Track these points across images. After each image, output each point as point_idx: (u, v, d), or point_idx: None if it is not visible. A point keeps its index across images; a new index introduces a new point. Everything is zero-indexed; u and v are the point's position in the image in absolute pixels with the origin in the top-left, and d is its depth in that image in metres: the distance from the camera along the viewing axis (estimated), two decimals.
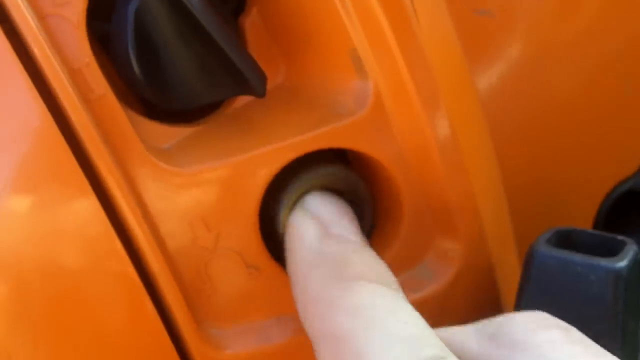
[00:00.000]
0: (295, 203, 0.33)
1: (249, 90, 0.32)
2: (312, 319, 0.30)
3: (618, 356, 0.27)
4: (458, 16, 0.34)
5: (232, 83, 0.32)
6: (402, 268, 0.35)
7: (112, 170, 0.31)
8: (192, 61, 0.31)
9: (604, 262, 0.32)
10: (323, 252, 0.31)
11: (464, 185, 0.34)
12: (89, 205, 0.31)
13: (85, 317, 0.31)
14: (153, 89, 0.31)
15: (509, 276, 0.37)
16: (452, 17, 0.34)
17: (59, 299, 0.31)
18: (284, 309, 0.34)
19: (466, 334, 0.30)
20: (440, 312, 0.35)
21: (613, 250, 0.33)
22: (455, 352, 0.27)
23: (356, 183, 0.34)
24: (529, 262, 0.33)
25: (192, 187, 0.32)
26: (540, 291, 0.33)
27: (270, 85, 0.33)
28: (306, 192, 0.34)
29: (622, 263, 0.32)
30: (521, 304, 0.34)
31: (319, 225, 0.32)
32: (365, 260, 0.31)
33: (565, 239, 0.34)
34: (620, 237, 0.34)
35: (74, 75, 0.30)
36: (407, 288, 0.32)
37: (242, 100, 0.35)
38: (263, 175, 0.33)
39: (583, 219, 0.41)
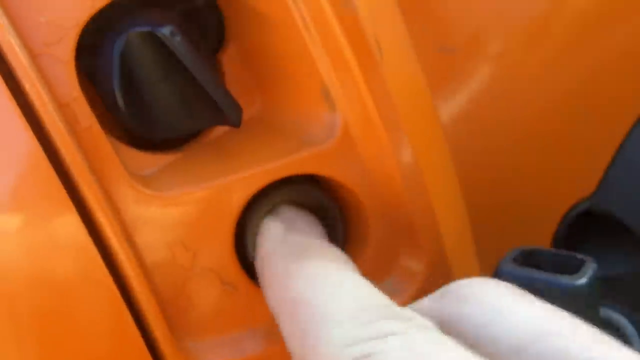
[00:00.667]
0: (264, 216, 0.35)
1: (226, 120, 0.34)
2: (273, 290, 0.31)
3: None
4: (424, 53, 0.36)
5: (210, 114, 0.34)
6: None
7: (96, 195, 0.32)
8: (173, 95, 0.33)
9: (565, 279, 0.33)
10: (286, 240, 0.33)
11: (426, 208, 0.36)
12: (73, 228, 0.32)
13: (69, 331, 0.33)
14: (136, 120, 0.33)
15: None
16: (418, 54, 0.36)
17: (44, 313, 0.33)
18: (258, 322, 0.36)
19: (420, 302, 0.31)
20: None
21: (574, 268, 0.34)
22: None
23: (325, 203, 0.36)
24: (496, 279, 0.35)
25: (171, 209, 0.34)
26: None
27: (246, 115, 0.35)
28: (276, 206, 0.35)
29: (582, 280, 0.33)
30: None
31: (286, 223, 0.34)
32: (324, 245, 0.33)
33: (530, 258, 0.35)
34: (580, 256, 0.35)
35: (63, 109, 0.32)
36: None
37: (220, 130, 0.36)
38: (238, 199, 0.34)
39: (542, 238, 0.43)
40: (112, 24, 0.33)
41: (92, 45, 0.33)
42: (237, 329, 0.36)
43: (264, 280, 0.33)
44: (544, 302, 0.29)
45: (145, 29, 0.32)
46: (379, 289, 0.35)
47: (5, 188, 0.32)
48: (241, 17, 0.36)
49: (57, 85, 0.32)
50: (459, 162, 0.38)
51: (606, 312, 0.41)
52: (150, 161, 0.35)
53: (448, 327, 0.28)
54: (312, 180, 0.36)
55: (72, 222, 0.32)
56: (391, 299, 0.36)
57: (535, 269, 0.34)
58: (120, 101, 0.33)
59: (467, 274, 0.38)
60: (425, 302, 0.30)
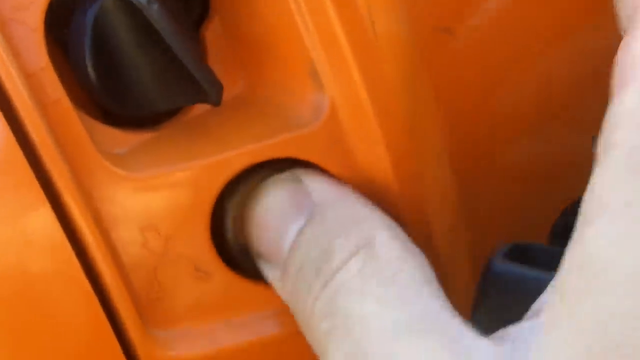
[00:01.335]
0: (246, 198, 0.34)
1: (205, 98, 0.33)
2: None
3: None
4: (418, 32, 0.34)
5: (188, 91, 0.32)
6: None
7: (64, 174, 0.31)
8: (149, 69, 0.32)
9: None
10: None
11: (417, 201, 0.35)
12: (38, 208, 0.31)
13: (35, 322, 0.32)
14: (109, 94, 0.32)
15: (461, 290, 0.38)
16: (412, 33, 0.34)
17: (15, 300, 0.32)
18: (233, 312, 0.35)
19: None
20: None
21: None
22: None
23: None
24: (486, 275, 0.34)
25: (144, 191, 0.33)
26: (496, 305, 0.34)
27: (228, 94, 0.34)
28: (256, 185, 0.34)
29: None
30: (475, 317, 0.34)
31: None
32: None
33: (522, 254, 0.35)
34: None
35: (29, 78, 0.31)
36: None
37: (199, 108, 0.35)
38: (216, 182, 0.33)
39: (538, 234, 0.42)
40: None
41: (64, 12, 0.32)
42: (211, 318, 0.35)
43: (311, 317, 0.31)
44: None
45: None
46: None
47: None
48: None
49: (24, 53, 0.31)
50: (452, 151, 0.37)
51: None
52: (123, 139, 0.34)
53: None
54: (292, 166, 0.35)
55: (37, 202, 0.31)
56: None
57: (529, 266, 0.34)
58: (91, 73, 0.31)
59: (457, 270, 0.37)
60: None
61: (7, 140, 0.30)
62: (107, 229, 0.33)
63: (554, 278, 0.28)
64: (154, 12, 0.31)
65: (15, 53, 0.31)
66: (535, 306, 0.28)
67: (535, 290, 0.31)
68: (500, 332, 0.28)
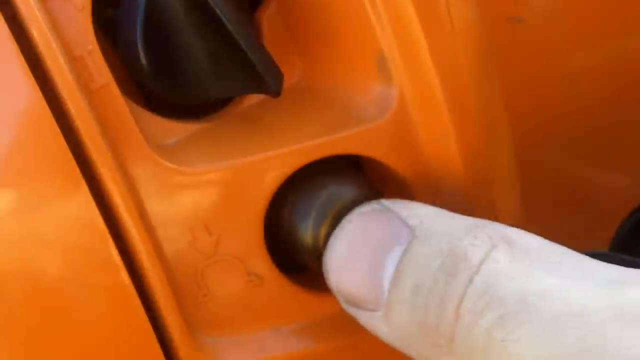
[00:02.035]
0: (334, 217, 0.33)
1: (263, 88, 0.32)
2: None
3: None
4: (490, 22, 0.34)
5: (245, 79, 0.32)
6: None
7: (109, 165, 0.30)
8: (204, 53, 0.31)
9: None
10: None
11: (488, 205, 0.34)
12: (83, 203, 0.30)
13: (72, 323, 0.31)
14: (160, 81, 0.31)
15: None
16: (485, 23, 0.34)
17: (43, 306, 0.31)
18: (284, 320, 0.34)
19: None
20: None
21: None
22: None
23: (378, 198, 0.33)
24: None
25: (195, 187, 0.32)
26: None
27: (285, 84, 0.33)
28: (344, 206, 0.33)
29: None
30: None
31: None
32: None
33: None
34: None
35: (75, 62, 0.30)
36: None
37: (254, 98, 0.34)
38: (272, 180, 0.32)
39: (601, 239, 0.41)
40: None
41: None
42: (261, 325, 0.34)
43: None
44: None
45: None
46: None
47: (3, 154, 0.30)
48: None
49: (70, 34, 0.30)
50: (518, 149, 0.36)
51: None
52: (173, 130, 0.33)
53: None
54: (348, 163, 0.34)
55: (80, 195, 0.30)
56: None
57: None
58: (142, 57, 0.30)
59: None
60: None
61: (50, 128, 0.30)
62: (153, 226, 0.32)
63: None
64: None
65: (61, 35, 0.30)
66: None
67: None
68: None
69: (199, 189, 0.32)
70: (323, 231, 0.32)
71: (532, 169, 0.37)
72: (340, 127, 0.33)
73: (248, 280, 0.33)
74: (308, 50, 0.35)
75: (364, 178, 0.34)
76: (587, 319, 0.25)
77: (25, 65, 0.29)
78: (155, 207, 0.32)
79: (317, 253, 0.32)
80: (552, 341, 0.25)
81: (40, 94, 0.29)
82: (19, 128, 0.30)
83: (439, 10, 0.32)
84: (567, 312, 0.26)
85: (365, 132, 0.32)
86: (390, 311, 0.30)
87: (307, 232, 0.33)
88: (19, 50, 0.29)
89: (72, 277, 0.31)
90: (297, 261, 0.34)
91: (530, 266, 0.27)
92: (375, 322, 0.30)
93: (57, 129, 0.30)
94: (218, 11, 0.30)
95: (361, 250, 0.31)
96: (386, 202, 0.31)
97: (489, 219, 0.32)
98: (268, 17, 0.35)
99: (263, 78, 0.31)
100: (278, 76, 0.32)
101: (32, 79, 0.29)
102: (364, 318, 0.31)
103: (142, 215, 0.31)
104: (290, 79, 0.34)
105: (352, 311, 0.31)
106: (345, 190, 0.33)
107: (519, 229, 0.29)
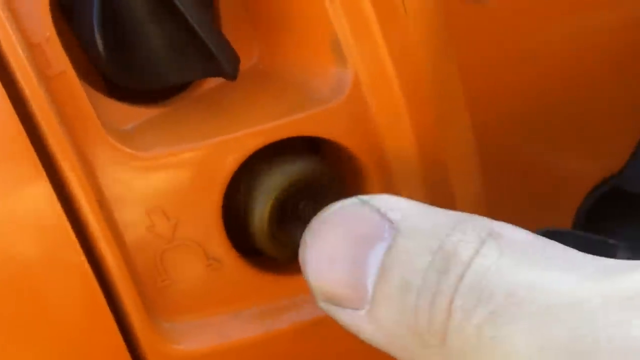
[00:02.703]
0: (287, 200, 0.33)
1: (220, 72, 0.32)
2: None
3: None
4: (448, 5, 0.34)
5: (201, 64, 0.32)
6: None
7: (67, 151, 0.30)
8: (160, 39, 0.31)
9: None
10: None
11: (443, 184, 0.35)
12: (40, 188, 0.30)
13: (31, 308, 0.31)
14: (117, 66, 0.31)
15: None
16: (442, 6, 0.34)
17: (2, 291, 0.31)
18: (244, 304, 0.34)
19: None
20: None
21: (604, 254, 0.31)
22: None
23: (333, 179, 0.34)
24: None
25: (152, 172, 0.32)
26: None
27: (242, 67, 0.33)
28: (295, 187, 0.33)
29: None
30: None
31: None
32: None
33: (554, 239, 0.34)
34: (611, 241, 0.34)
35: (33, 49, 0.30)
36: None
37: (212, 82, 0.35)
38: (229, 163, 0.32)
39: (563, 216, 0.42)
40: None
41: None
42: (221, 310, 0.34)
43: None
44: None
45: None
46: None
47: None
48: None
49: (28, 21, 0.30)
50: (477, 129, 0.36)
51: None
52: (130, 115, 0.33)
53: None
54: (304, 144, 0.35)
55: (38, 182, 0.30)
56: None
57: None
58: (99, 42, 0.30)
59: None
60: None
61: (7, 113, 0.30)
62: (111, 210, 0.32)
63: None
64: None
65: (18, 21, 0.30)
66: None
67: None
68: None
69: (157, 173, 0.32)
70: (271, 214, 0.33)
71: (492, 152, 0.37)
72: (296, 109, 0.33)
73: (207, 264, 0.33)
74: (265, 34, 0.35)
75: (320, 160, 0.34)
76: (577, 308, 0.25)
77: None
78: (113, 192, 0.32)
79: (268, 237, 0.33)
80: (543, 333, 0.25)
81: None
82: None
83: None
84: (556, 304, 0.26)
85: (321, 114, 0.33)
86: (375, 309, 0.29)
87: (258, 215, 0.33)
88: None
89: (33, 263, 0.31)
90: (254, 245, 0.34)
91: (518, 260, 0.27)
92: (358, 321, 0.30)
93: (15, 116, 0.30)
94: None
95: (341, 246, 0.30)
96: (364, 197, 0.30)
97: (446, 201, 0.33)
98: (226, 1, 0.35)
99: (219, 62, 0.32)
100: (234, 60, 0.32)
101: None
102: (345, 317, 0.30)
103: (100, 201, 0.31)
104: (247, 63, 0.35)
105: (332, 310, 0.30)
106: (299, 172, 0.33)
107: (502, 222, 0.29)
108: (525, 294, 0.26)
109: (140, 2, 0.31)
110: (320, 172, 0.34)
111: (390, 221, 0.29)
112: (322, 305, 0.30)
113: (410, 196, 0.33)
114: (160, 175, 0.32)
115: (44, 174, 0.30)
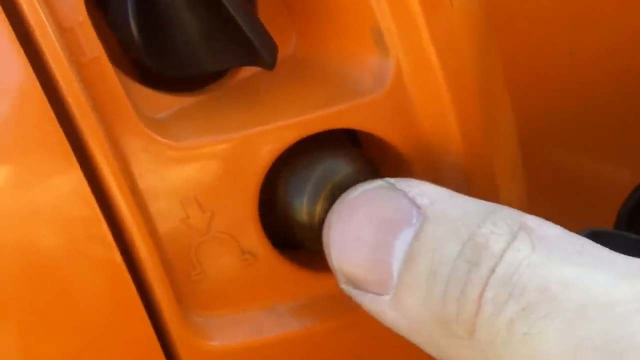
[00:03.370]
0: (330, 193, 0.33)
1: (257, 60, 0.32)
2: None
3: None
4: None
5: (238, 52, 0.32)
6: None
7: (100, 141, 0.30)
8: (197, 26, 0.31)
9: None
10: None
11: (487, 182, 0.34)
12: (73, 179, 0.30)
13: (62, 300, 0.31)
14: (151, 53, 0.31)
15: None
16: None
17: (32, 282, 0.31)
18: (278, 299, 0.34)
19: None
20: None
21: None
22: None
23: (376, 173, 0.34)
24: None
25: (187, 162, 0.32)
26: None
27: (279, 56, 0.33)
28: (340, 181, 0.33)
29: None
30: None
31: None
32: None
33: (599, 241, 0.34)
34: None
35: (65, 34, 0.30)
36: None
37: (248, 71, 0.34)
38: (266, 154, 0.32)
39: (604, 219, 0.42)
40: None
41: None
42: (255, 305, 0.34)
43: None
44: None
45: None
46: None
47: None
48: None
49: (60, 6, 0.30)
50: (519, 125, 0.36)
51: None
52: (165, 103, 0.33)
53: None
54: (345, 138, 0.34)
55: (70, 170, 0.30)
56: None
57: None
58: (134, 30, 0.30)
59: None
60: None
61: (39, 101, 0.30)
62: (145, 201, 0.32)
63: None
64: None
65: (51, 6, 0.30)
66: None
67: None
68: None
69: (192, 163, 0.32)
70: (319, 208, 0.32)
71: (531, 154, 0.37)
72: (336, 100, 0.33)
73: (242, 258, 0.33)
74: (303, 23, 0.35)
75: (361, 153, 0.34)
76: (611, 310, 0.25)
77: (15, 38, 0.29)
78: (147, 182, 0.32)
79: (313, 230, 0.33)
80: (577, 333, 0.25)
81: (30, 67, 0.29)
82: (8, 102, 0.30)
83: None
84: (591, 303, 0.26)
85: (362, 106, 0.33)
86: (400, 296, 0.29)
87: (302, 209, 0.33)
88: (8, 23, 0.29)
89: (63, 254, 0.31)
90: (292, 239, 0.34)
91: (551, 255, 0.27)
92: (381, 307, 0.30)
93: (47, 103, 0.30)
94: None
95: (366, 229, 0.30)
96: (392, 180, 0.31)
97: (491, 197, 0.33)
98: None
99: (257, 50, 0.31)
100: (273, 49, 0.32)
101: (22, 52, 0.29)
102: (368, 301, 0.30)
103: (134, 191, 0.31)
104: (285, 52, 0.34)
105: (354, 293, 0.31)
106: (341, 165, 0.33)
107: (534, 216, 0.29)
108: (559, 291, 0.26)
109: None
110: (364, 167, 0.33)
111: (418, 206, 0.29)
112: (344, 287, 0.31)
113: (453, 189, 0.33)
114: (195, 165, 0.32)
115: (76, 162, 0.30)
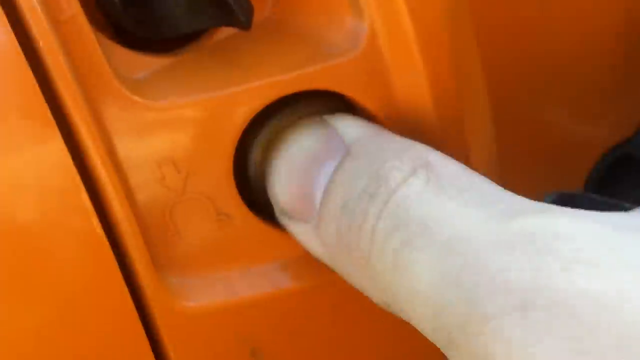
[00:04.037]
0: (271, 140, 0.33)
1: (234, 21, 0.32)
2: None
3: None
4: None
5: (215, 12, 0.32)
6: None
7: (76, 98, 0.30)
8: None
9: None
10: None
11: (458, 136, 0.34)
12: (47, 135, 0.30)
13: (38, 265, 0.32)
14: (129, 13, 0.31)
15: None
16: None
17: (13, 244, 0.31)
18: (253, 260, 0.34)
19: None
20: None
21: None
22: None
23: None
24: None
25: (163, 122, 0.32)
26: None
27: (255, 18, 0.33)
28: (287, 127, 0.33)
29: None
30: None
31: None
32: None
33: (569, 203, 0.34)
34: (627, 205, 0.33)
35: None
36: None
37: (225, 32, 0.34)
38: (242, 115, 0.32)
39: (575, 180, 0.42)
40: None
41: None
42: (229, 266, 0.34)
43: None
44: None
45: None
46: None
47: None
48: None
49: None
50: (490, 90, 0.37)
51: None
52: (142, 64, 0.33)
53: None
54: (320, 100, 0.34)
55: (46, 127, 0.30)
56: None
57: None
58: None
59: None
60: None
61: (17, 60, 0.30)
62: (120, 161, 0.32)
63: None
64: None
65: None
66: None
67: None
68: None
69: (168, 124, 0.32)
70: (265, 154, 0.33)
71: (504, 112, 0.37)
72: (309, 62, 0.33)
73: (217, 219, 0.33)
74: None
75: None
76: (472, 244, 0.26)
77: None
78: (124, 142, 0.32)
79: None
80: (440, 267, 0.26)
81: (9, 27, 0.29)
82: None
83: None
84: (456, 238, 0.27)
85: (336, 67, 0.33)
86: (320, 225, 0.31)
87: (255, 156, 0.33)
88: None
89: (37, 215, 0.31)
90: (266, 201, 0.34)
91: (440, 192, 0.28)
92: (306, 235, 0.32)
93: (25, 61, 0.30)
94: None
95: (297, 162, 0.32)
96: (327, 117, 0.32)
97: (461, 158, 0.33)
98: None
99: (234, 11, 0.31)
100: (249, 9, 0.32)
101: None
102: (297, 230, 0.32)
103: (109, 150, 0.31)
104: (261, 14, 0.34)
105: (286, 222, 0.33)
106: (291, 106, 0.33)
107: (444, 155, 0.30)
108: (433, 225, 0.27)
109: None
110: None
111: (344, 143, 0.31)
112: (279, 217, 0.33)
113: None
114: (172, 126, 0.32)
115: (53, 121, 0.30)
